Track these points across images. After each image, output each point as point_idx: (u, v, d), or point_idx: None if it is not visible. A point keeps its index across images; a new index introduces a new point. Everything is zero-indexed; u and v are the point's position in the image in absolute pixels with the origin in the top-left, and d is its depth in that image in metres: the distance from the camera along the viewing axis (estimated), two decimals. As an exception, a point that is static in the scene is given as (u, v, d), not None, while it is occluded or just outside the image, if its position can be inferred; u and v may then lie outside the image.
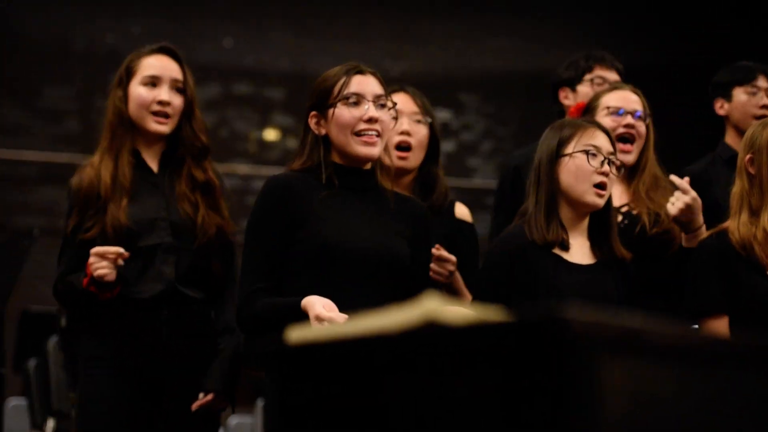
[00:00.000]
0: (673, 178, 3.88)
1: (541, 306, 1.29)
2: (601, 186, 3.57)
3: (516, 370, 1.32)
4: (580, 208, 3.61)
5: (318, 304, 3.03)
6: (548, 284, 3.49)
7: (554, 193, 3.60)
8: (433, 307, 1.36)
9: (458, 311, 1.37)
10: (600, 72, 4.59)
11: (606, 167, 3.58)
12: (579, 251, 3.61)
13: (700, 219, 3.83)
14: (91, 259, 3.52)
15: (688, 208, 3.78)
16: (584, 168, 3.58)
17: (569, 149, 3.61)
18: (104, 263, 3.51)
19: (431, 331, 1.36)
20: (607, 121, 3.98)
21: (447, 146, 7.78)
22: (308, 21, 8.06)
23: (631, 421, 1.31)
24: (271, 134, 8.19)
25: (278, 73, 7.98)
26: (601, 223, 3.66)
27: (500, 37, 8.06)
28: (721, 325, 3.68)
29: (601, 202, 3.59)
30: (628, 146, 4.04)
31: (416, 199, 3.52)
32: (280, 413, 1.53)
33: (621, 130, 4.01)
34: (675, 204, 3.80)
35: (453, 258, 3.76)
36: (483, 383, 1.34)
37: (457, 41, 8.05)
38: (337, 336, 1.43)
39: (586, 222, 3.65)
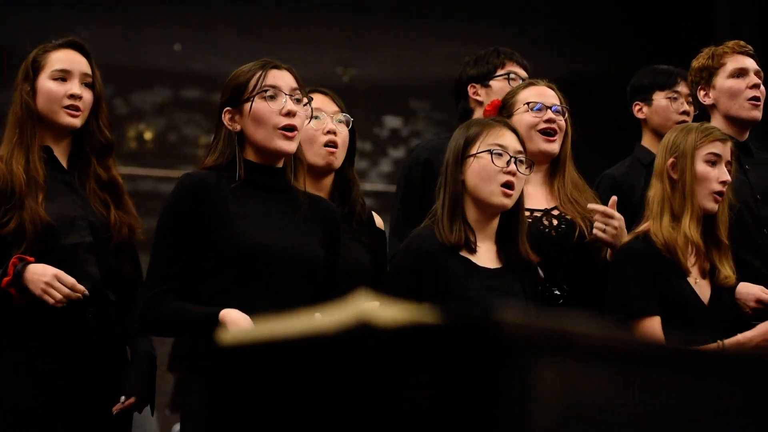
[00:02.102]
0: (593, 206, 3.91)
1: (473, 308, 1.28)
2: (508, 185, 3.55)
3: (447, 372, 1.30)
4: (487, 209, 3.58)
5: (242, 320, 2.99)
6: (455, 288, 3.48)
7: (460, 195, 3.57)
8: (365, 307, 1.35)
9: (391, 312, 1.35)
10: (512, 68, 4.59)
11: (512, 167, 3.55)
12: (486, 254, 3.59)
13: (625, 234, 3.87)
14: (50, 280, 3.46)
15: (619, 231, 3.83)
16: (489, 168, 3.55)
17: (474, 149, 3.58)
18: (60, 295, 3.46)
19: (363, 332, 1.34)
20: (526, 117, 3.98)
21: (397, 153, 7.78)
22: (258, 27, 8.04)
23: (563, 422, 1.30)
24: (219, 139, 8.15)
25: (227, 77, 7.94)
26: (509, 225, 3.63)
27: (452, 44, 8.06)
28: (654, 326, 3.70)
29: (508, 202, 3.56)
30: (551, 138, 4.05)
31: (326, 200, 3.51)
32: (209, 415, 1.50)
33: (543, 125, 4.01)
34: (607, 231, 3.84)
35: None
36: (414, 385, 1.33)
37: (408, 48, 8.05)
38: (270, 337, 1.41)
39: (495, 224, 3.62)
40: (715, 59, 4.46)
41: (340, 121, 3.85)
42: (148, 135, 7.86)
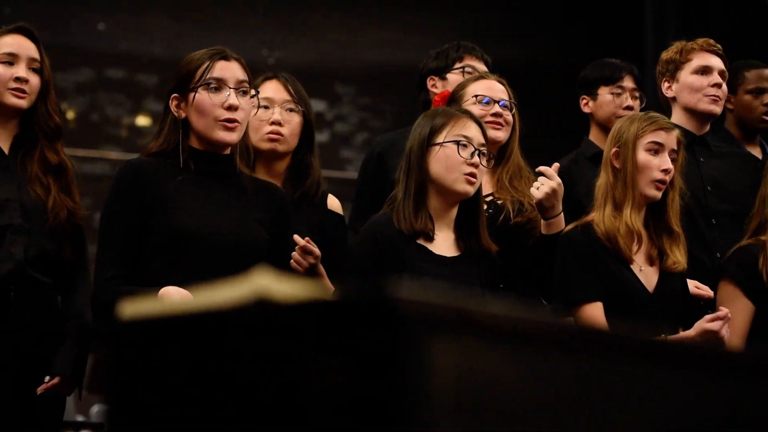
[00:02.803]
0: (541, 168, 3.92)
1: (371, 284, 1.28)
2: (471, 176, 3.60)
3: (345, 348, 1.30)
4: (450, 196, 3.62)
5: (175, 295, 3.00)
6: (412, 275, 3.50)
7: (424, 182, 3.61)
8: (263, 283, 1.34)
9: (289, 288, 1.35)
10: (470, 62, 4.63)
11: (476, 158, 3.60)
12: (444, 243, 3.62)
13: (560, 207, 3.88)
14: None
15: (553, 193, 3.83)
16: (454, 158, 3.59)
17: (440, 138, 3.62)
18: None
19: (261, 307, 1.34)
20: (474, 109, 4.01)
21: (321, 137, 7.76)
22: (184, 7, 7.98)
23: (461, 400, 1.30)
24: (143, 120, 8.09)
25: (152, 58, 7.88)
26: (469, 214, 3.67)
27: (379, 29, 8.06)
28: (595, 312, 3.73)
29: (471, 189, 3.61)
30: (497, 126, 4.08)
31: (274, 185, 3.52)
32: (114, 392, 1.49)
33: (489, 118, 4.04)
34: (540, 188, 3.83)
35: (317, 252, 3.67)
36: (313, 361, 1.33)
37: (334, 32, 8.04)
38: (169, 312, 1.41)
39: (453, 213, 3.66)
40: (683, 54, 4.54)
41: (291, 110, 3.86)
42: (70, 114, 7.78)
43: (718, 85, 4.47)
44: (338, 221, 4.01)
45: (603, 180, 3.88)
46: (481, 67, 4.61)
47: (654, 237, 3.88)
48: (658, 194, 3.83)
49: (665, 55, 4.59)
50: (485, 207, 4.00)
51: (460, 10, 8.11)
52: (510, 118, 4.10)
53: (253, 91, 3.30)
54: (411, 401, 1.27)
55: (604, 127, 4.83)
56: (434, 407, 1.28)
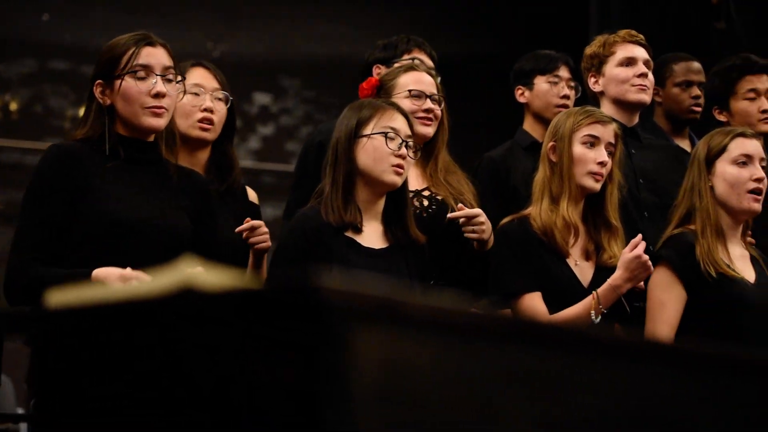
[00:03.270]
0: (454, 215, 3.95)
1: (297, 274, 1.29)
2: (398, 167, 3.61)
3: (270, 337, 1.31)
4: (378, 188, 3.63)
5: (115, 271, 2.99)
6: (341, 268, 3.50)
7: (351, 174, 3.61)
8: (190, 272, 1.35)
9: (216, 277, 1.36)
10: (418, 55, 4.64)
11: (403, 150, 3.62)
12: (372, 235, 3.63)
13: (489, 226, 3.92)
14: None
15: (485, 227, 3.88)
16: (382, 150, 3.61)
17: (368, 130, 3.63)
18: None
19: (188, 296, 1.34)
20: (406, 103, 4.02)
21: (266, 130, 7.75)
22: (129, -1, 7.94)
23: (384, 390, 1.31)
24: (86, 112, 8.03)
25: (97, 50, 7.82)
26: (396, 206, 3.68)
27: (324, 23, 8.06)
28: (535, 302, 3.76)
29: (399, 180, 3.62)
30: (427, 123, 4.09)
31: (198, 173, 3.51)
32: (40, 380, 1.49)
33: (421, 114, 4.05)
34: (476, 230, 3.88)
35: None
36: (239, 351, 1.34)
37: (280, 25, 8.02)
38: (97, 301, 1.41)
39: (381, 205, 3.67)
40: (606, 47, 4.56)
41: (219, 99, 3.86)
42: (13, 106, 7.72)
43: (644, 75, 4.50)
44: (258, 213, 4.03)
45: (541, 174, 3.91)
46: (428, 62, 4.63)
47: (592, 231, 3.91)
48: (597, 186, 3.86)
49: (588, 50, 4.60)
50: (426, 203, 4.02)
51: (407, 4, 8.12)
52: (439, 112, 4.12)
53: (179, 77, 3.29)
54: (335, 390, 1.28)
55: (540, 117, 4.87)
56: (358, 396, 1.30)
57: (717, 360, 1.63)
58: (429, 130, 4.07)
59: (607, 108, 4.47)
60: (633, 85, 4.47)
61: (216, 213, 3.49)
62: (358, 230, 3.60)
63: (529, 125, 5.00)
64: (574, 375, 1.47)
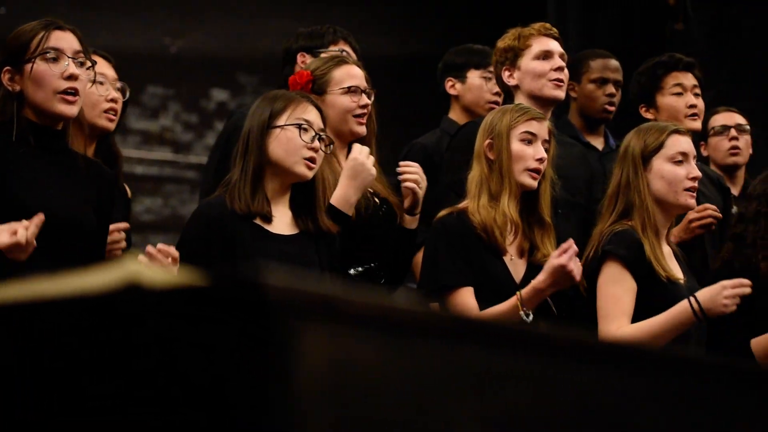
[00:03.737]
0: (402, 165, 3.97)
1: (240, 270, 1.28)
2: (311, 160, 3.60)
3: (214, 334, 1.30)
4: (288, 179, 3.62)
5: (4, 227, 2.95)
6: (248, 255, 3.49)
7: (262, 164, 3.60)
8: (135, 269, 1.33)
9: (161, 274, 1.34)
10: (344, 47, 4.63)
11: (316, 143, 3.61)
12: (281, 222, 3.62)
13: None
14: None
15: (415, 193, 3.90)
16: (295, 141, 3.60)
17: (281, 121, 3.62)
18: None
19: (131, 293, 1.33)
20: (344, 100, 4.02)
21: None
22: (86, -7, 7.88)
23: (331, 389, 1.30)
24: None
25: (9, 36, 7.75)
26: (305, 196, 3.66)
27: (283, 19, 8.02)
28: (467, 297, 3.76)
29: (310, 173, 3.62)
30: (362, 121, 4.10)
31: (103, 165, 3.50)
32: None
33: (358, 111, 4.06)
34: (421, 186, 3.90)
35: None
36: (183, 348, 1.32)
37: (238, 21, 7.99)
38: (32, 297, 1.39)
39: (288, 194, 3.66)
40: (521, 41, 4.55)
41: (118, 89, 3.87)
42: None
43: (560, 69, 4.50)
44: (129, 204, 4.09)
45: (476, 172, 3.91)
46: (353, 55, 4.63)
47: (527, 229, 3.91)
48: (534, 183, 3.88)
49: (502, 43, 4.59)
50: (378, 201, 4.02)
51: (363, 2, 8.11)
52: (370, 107, 4.13)
53: (89, 62, 3.27)
54: (281, 389, 1.27)
55: (469, 110, 4.90)
56: (305, 395, 1.28)
57: (662, 360, 1.63)
58: (364, 129, 4.08)
59: (521, 102, 4.46)
60: (550, 80, 4.46)
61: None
62: (268, 219, 3.59)
63: (457, 116, 5.02)
64: (523, 374, 1.47)
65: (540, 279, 3.71)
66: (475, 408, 1.42)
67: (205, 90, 7.75)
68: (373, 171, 3.81)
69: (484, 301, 3.76)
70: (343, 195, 3.77)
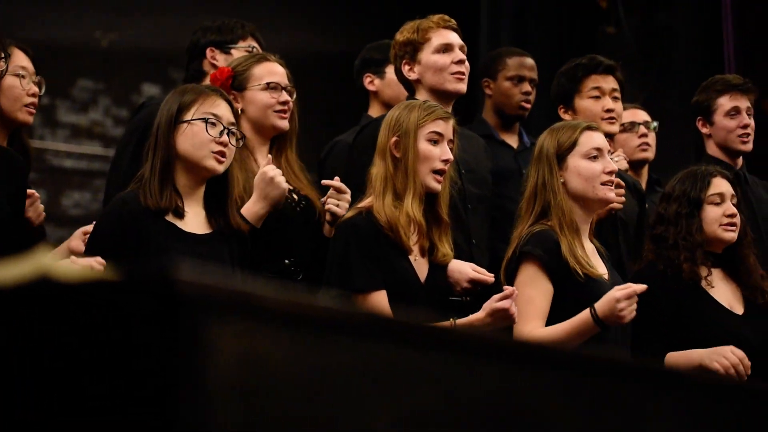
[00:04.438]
0: (328, 182, 3.97)
1: (151, 265, 1.28)
2: (220, 154, 3.59)
3: (123, 329, 1.30)
4: (198, 173, 3.60)
5: None
6: (160, 252, 3.48)
7: (171, 159, 3.58)
8: (46, 262, 1.33)
9: (73, 267, 1.34)
10: (252, 42, 4.61)
11: (225, 137, 3.59)
12: (194, 220, 3.60)
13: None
14: None
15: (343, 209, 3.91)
16: (202, 136, 3.58)
17: (188, 116, 3.60)
18: None
19: (43, 286, 1.32)
20: (264, 96, 4.01)
21: (155, 121, 7.67)
22: (16, -15, 7.80)
23: (241, 385, 1.31)
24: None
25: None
26: (216, 193, 3.65)
27: (213, 15, 7.98)
28: (380, 300, 3.75)
29: (220, 167, 3.60)
30: (284, 115, 4.09)
31: (16, 153, 3.48)
32: None
33: (278, 107, 4.05)
34: (340, 205, 3.89)
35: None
36: (93, 342, 1.32)
37: (170, 16, 7.94)
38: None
39: (202, 190, 3.64)
40: (420, 34, 4.51)
41: (35, 83, 3.86)
42: None
43: (461, 62, 4.50)
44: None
45: (381, 168, 3.88)
46: (258, 48, 4.62)
47: (426, 228, 3.91)
48: (439, 186, 3.87)
49: (400, 36, 4.55)
50: (296, 198, 4.01)
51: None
52: (291, 104, 4.12)
53: (2, 54, 3.26)
54: (191, 385, 1.27)
55: (388, 106, 4.89)
56: (215, 391, 1.29)
57: (571, 359, 1.65)
58: (286, 123, 4.07)
59: (423, 96, 4.43)
60: (452, 74, 4.45)
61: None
62: (180, 215, 3.57)
63: (376, 112, 5.01)
64: (434, 372, 1.48)
65: (479, 317, 3.70)
66: (387, 405, 1.43)
67: (135, 84, 7.70)
68: (284, 186, 3.80)
69: (392, 300, 3.75)
70: (252, 209, 3.78)
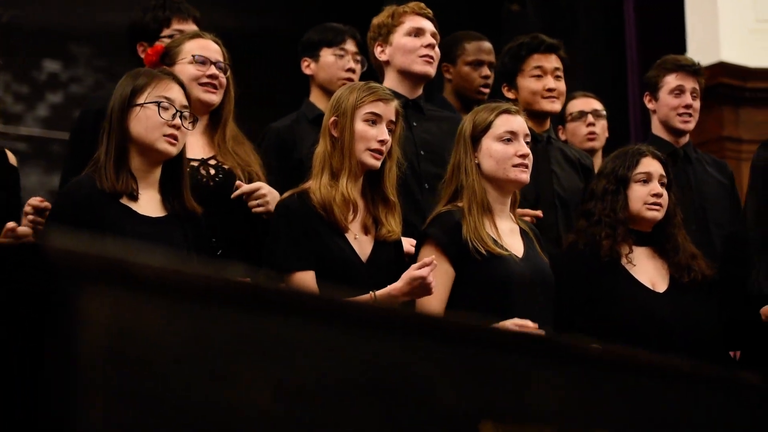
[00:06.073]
0: (239, 192, 3.98)
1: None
2: (173, 138, 3.61)
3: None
4: (152, 156, 3.62)
5: None
6: (115, 235, 3.48)
7: (125, 143, 3.60)
8: None
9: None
10: (178, 26, 4.57)
11: (177, 120, 3.61)
12: (149, 203, 3.62)
13: (276, 194, 3.96)
14: None
15: (270, 198, 3.91)
16: (155, 119, 3.60)
17: (141, 99, 3.62)
18: None
19: None
20: (190, 68, 4.01)
21: (55, 98, 7.56)
22: None
23: (113, 354, 1.29)
24: None
25: None
26: (171, 176, 3.68)
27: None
28: (307, 281, 3.76)
29: (173, 150, 3.62)
30: (212, 90, 4.08)
31: None
32: None
33: (204, 79, 4.05)
34: (263, 206, 3.91)
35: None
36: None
37: (70, -9, 7.84)
38: None
39: (157, 174, 3.66)
40: (396, 17, 4.60)
41: None
42: None
43: (431, 46, 4.55)
44: (17, 176, 4.04)
45: (321, 148, 3.91)
46: (190, 26, 4.57)
47: (371, 206, 3.93)
48: (376, 164, 3.88)
49: (376, 20, 4.64)
50: (213, 172, 4.00)
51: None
52: (224, 80, 4.11)
53: None
54: (61, 355, 1.25)
55: (325, 90, 4.89)
56: (86, 361, 1.27)
57: (455, 330, 1.65)
58: (213, 98, 4.06)
59: (391, 78, 4.50)
60: (420, 56, 4.52)
61: None
62: (135, 198, 3.58)
63: (315, 97, 5.01)
64: (312, 341, 1.47)
65: (397, 287, 3.72)
66: (268, 375, 1.42)
67: (36, 60, 7.58)
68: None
69: (329, 280, 3.75)
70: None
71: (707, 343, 4.36)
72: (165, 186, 3.67)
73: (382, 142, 3.87)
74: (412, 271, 3.71)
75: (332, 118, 3.89)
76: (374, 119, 3.88)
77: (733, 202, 5.32)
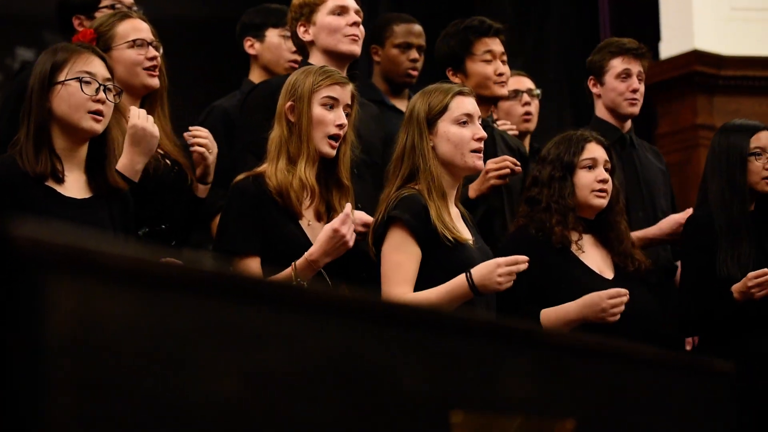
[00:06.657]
0: (191, 130, 3.97)
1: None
2: (97, 113, 3.53)
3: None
4: (77, 135, 3.53)
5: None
6: (38, 218, 3.43)
7: (46, 122, 3.52)
8: None
9: None
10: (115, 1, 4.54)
11: (101, 95, 3.53)
12: (74, 184, 3.54)
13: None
14: None
15: (213, 158, 3.91)
16: (78, 95, 3.51)
17: (62, 76, 3.53)
18: None
19: None
20: (130, 54, 3.98)
21: (28, 85, 7.54)
22: None
23: (76, 343, 1.28)
24: None
25: None
26: (98, 152, 3.60)
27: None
28: (253, 266, 3.73)
29: (98, 127, 3.54)
30: (154, 73, 4.06)
31: None
32: None
33: (147, 63, 4.03)
34: (209, 157, 3.90)
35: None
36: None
37: (44, -21, 7.80)
38: None
39: (83, 153, 3.58)
40: None
41: None
42: None
43: (356, 24, 4.50)
44: None
45: (277, 133, 3.88)
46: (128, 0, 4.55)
47: (324, 191, 3.91)
48: (332, 151, 3.87)
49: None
50: (169, 163, 3.97)
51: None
52: (160, 60, 4.08)
53: None
54: (24, 345, 1.24)
55: (268, 70, 4.88)
56: (50, 351, 1.26)
57: (422, 317, 1.65)
58: (156, 81, 4.04)
59: (316, 58, 4.45)
60: (345, 35, 4.46)
61: None
62: (59, 180, 3.51)
63: (257, 77, 5.00)
64: (284, 331, 1.47)
65: (314, 249, 3.70)
66: (234, 364, 1.42)
67: (9, 48, 7.56)
68: (156, 133, 3.74)
69: (280, 266, 3.74)
70: (128, 162, 3.70)
71: (658, 332, 4.38)
72: (91, 165, 3.59)
73: (341, 126, 3.86)
74: (327, 226, 3.69)
75: (288, 103, 3.87)
76: (332, 103, 3.87)
77: (670, 189, 5.34)
